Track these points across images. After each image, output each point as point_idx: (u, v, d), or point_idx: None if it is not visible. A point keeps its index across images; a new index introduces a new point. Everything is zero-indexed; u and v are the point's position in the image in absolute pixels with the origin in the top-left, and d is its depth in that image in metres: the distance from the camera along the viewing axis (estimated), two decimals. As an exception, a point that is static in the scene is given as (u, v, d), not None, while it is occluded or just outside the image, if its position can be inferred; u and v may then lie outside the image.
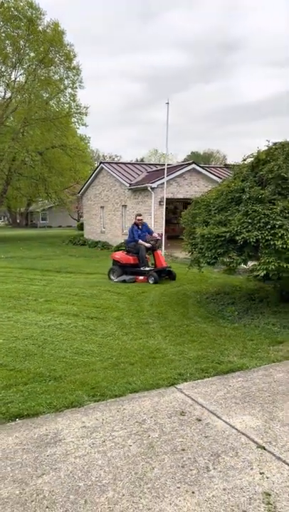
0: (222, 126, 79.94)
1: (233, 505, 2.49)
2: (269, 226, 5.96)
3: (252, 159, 7.53)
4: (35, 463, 2.94)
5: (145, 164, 25.94)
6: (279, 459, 2.95)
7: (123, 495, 2.60)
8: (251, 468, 2.84)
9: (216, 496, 2.57)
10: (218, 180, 19.15)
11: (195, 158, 57.42)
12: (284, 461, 2.92)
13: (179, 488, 2.65)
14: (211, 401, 3.85)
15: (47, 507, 2.50)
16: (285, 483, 2.68)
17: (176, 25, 67.53)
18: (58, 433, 3.32)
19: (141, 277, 10.29)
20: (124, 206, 20.79)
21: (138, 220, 11.29)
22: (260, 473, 2.79)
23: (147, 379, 4.31)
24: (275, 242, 5.83)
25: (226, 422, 3.46)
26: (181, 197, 19.02)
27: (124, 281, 10.12)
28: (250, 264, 7.81)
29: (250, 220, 6.14)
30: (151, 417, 3.56)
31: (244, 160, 7.92)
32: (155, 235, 11.29)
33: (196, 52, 71.69)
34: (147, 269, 10.48)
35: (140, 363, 4.80)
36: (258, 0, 65.26)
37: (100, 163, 23.87)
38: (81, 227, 33.02)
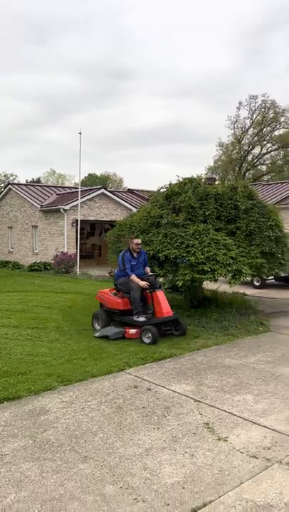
0: (116, 150, 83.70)
1: (186, 431, 3.69)
2: (184, 245, 7.44)
3: (165, 190, 9.11)
4: (35, 425, 3.81)
5: (54, 186, 26.69)
6: (210, 405, 4.24)
7: (110, 435, 3.63)
8: (193, 412, 4.08)
9: (173, 428, 3.75)
10: (124, 203, 20.84)
11: (93, 180, 59.26)
12: (214, 407, 4.21)
13: (147, 427, 3.78)
14: (154, 377, 5.04)
15: (58, 446, 3.43)
16: (216, 417, 3.96)
17: (68, 49, 69.77)
18: (44, 407, 4.21)
19: (132, 331, 6.87)
20: (35, 227, 21.26)
21: (135, 244, 7.32)
22: (200, 414, 4.04)
23: (101, 368, 5.34)
24: (190, 258, 7.32)
25: (169, 389, 4.68)
26: (93, 219, 20.22)
27: (106, 337, 6.78)
28: (161, 279, 9.31)
29: (169, 241, 7.58)
30: (113, 391, 4.62)
31: (158, 190, 9.49)
32: (147, 269, 7.44)
33: (89, 78, 74.61)
34: (141, 319, 6.93)
35: (90, 358, 5.80)
36: (147, 35, 70.62)
37: (8, 184, 24.02)
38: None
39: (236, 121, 44.45)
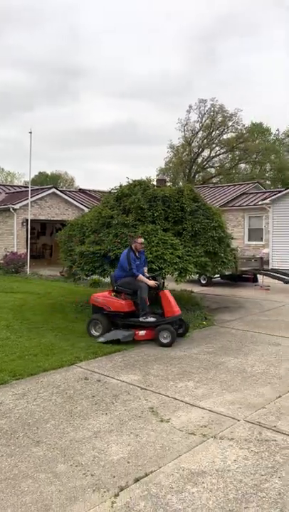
0: (67, 149, 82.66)
1: (132, 415, 4.02)
2: (134, 245, 7.78)
3: (116, 191, 9.42)
4: (-12, 416, 3.99)
5: (3, 185, 26.13)
6: (155, 392, 4.60)
7: (61, 421, 3.89)
8: (140, 399, 4.42)
9: (121, 413, 4.06)
10: (76, 203, 20.90)
11: (43, 178, 58.32)
12: (158, 393, 4.57)
13: (96, 413, 4.07)
14: (104, 370, 5.33)
15: (11, 434, 3.64)
16: (160, 402, 4.32)
17: (17, 45, 68.15)
18: (-3, 400, 4.38)
19: (142, 332, 6.72)
20: (-17, 226, 20.77)
21: (139, 244, 7.15)
22: (146, 400, 4.39)
23: (52, 362, 5.55)
24: (139, 257, 7.66)
25: (117, 379, 4.99)
26: (43, 218, 20.10)
27: (117, 341, 6.52)
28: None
29: (119, 240, 7.89)
30: (64, 383, 4.87)
31: (110, 191, 9.80)
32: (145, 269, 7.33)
33: (40, 75, 73.28)
34: (151, 319, 6.76)
35: (41, 354, 5.98)
36: (96, 32, 70.57)
37: None
38: None
39: (186, 124, 45.59)
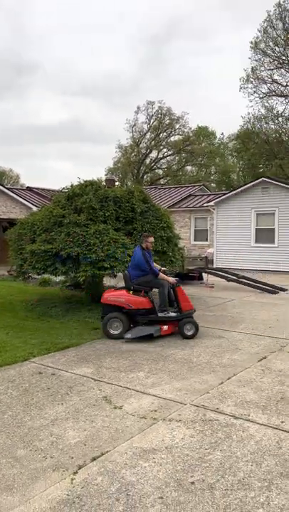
0: (13, 146, 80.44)
1: (86, 404, 4.26)
2: (86, 244, 7.98)
3: (67, 191, 9.55)
4: None
5: None
6: (108, 383, 4.87)
7: (18, 412, 4.05)
8: (93, 389, 4.67)
9: (76, 403, 4.29)
10: (24, 201, 20.59)
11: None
12: (111, 383, 4.84)
13: (52, 403, 4.27)
14: (58, 364, 5.52)
15: None
16: (113, 392, 4.60)
17: None
18: None
19: (165, 327, 6.99)
20: None
21: (150, 243, 7.51)
22: (99, 390, 4.64)
23: (6, 359, 5.65)
24: (91, 255, 7.88)
25: (72, 373, 5.20)
26: (-10, 216, 19.60)
27: (150, 335, 6.78)
28: (61, 277, 9.74)
29: (71, 239, 8.05)
30: (19, 377, 5.00)
31: (61, 190, 9.91)
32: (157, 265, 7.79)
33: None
34: (173, 314, 7.09)
35: (-6, 351, 6.05)
36: (45, 31, 69.44)
37: None
38: None
39: (134, 124, 46.15)
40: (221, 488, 2.89)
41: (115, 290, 7.54)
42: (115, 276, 8.28)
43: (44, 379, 4.96)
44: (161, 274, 7.21)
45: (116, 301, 7.07)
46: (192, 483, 2.94)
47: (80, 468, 3.10)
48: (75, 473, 3.04)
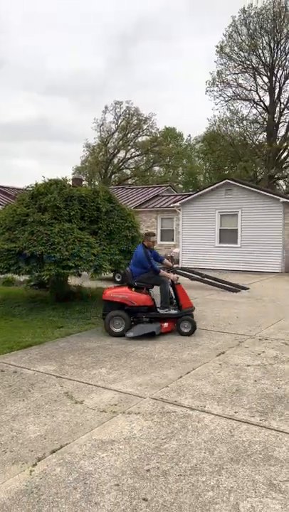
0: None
1: (48, 400, 4.33)
2: (50, 242, 7.99)
3: (31, 189, 9.50)
4: None
5: None
6: (69, 379, 4.95)
7: (-21, 410, 4.07)
8: (55, 386, 4.74)
9: (37, 399, 4.35)
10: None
11: None
12: (73, 380, 4.93)
13: (14, 400, 4.31)
14: (20, 362, 5.54)
15: None
16: (75, 387, 4.68)
17: None
18: None
19: (166, 324, 7.07)
20: None
21: (152, 241, 7.70)
22: (61, 386, 4.72)
23: None
24: (55, 254, 7.90)
25: (34, 370, 5.24)
26: None
27: (152, 333, 6.81)
28: (25, 277, 9.69)
29: (35, 238, 8.04)
30: (-20, 376, 5.00)
31: (25, 189, 9.85)
32: (168, 262, 8.11)
33: None
34: (174, 311, 7.22)
35: None
36: (16, 26, 68.17)
37: None
38: None
39: (102, 124, 46.07)
40: (175, 474, 3.05)
41: (117, 287, 7.67)
42: (80, 275, 8.33)
43: (6, 377, 4.98)
44: (162, 271, 7.33)
45: (118, 297, 7.12)
46: (148, 470, 3.09)
47: (39, 461, 3.18)
48: (34, 465, 3.12)
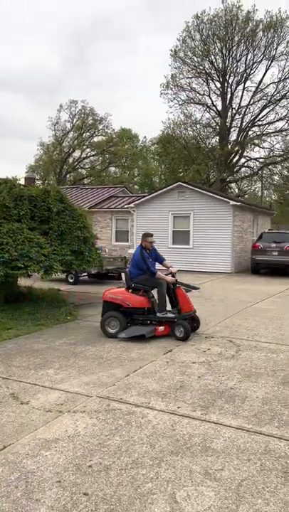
0: None
1: (-7, 402, 4.30)
2: (-2, 243, 7.86)
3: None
4: None
5: None
6: (16, 380, 4.92)
7: None
8: (1, 387, 4.70)
9: (-18, 401, 4.31)
10: None
11: None
12: (20, 381, 4.91)
13: None
14: None
15: None
16: (21, 389, 4.67)
17: None
18: None
19: (161, 328, 6.88)
20: None
21: (148, 242, 7.44)
22: (7, 388, 4.69)
23: None
24: (3, 254, 7.78)
25: (-21, 372, 5.16)
26: None
27: (142, 336, 6.62)
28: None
29: (-17, 238, 7.87)
30: None
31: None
32: (167, 263, 7.72)
33: None
34: (171, 315, 6.96)
35: None
36: None
37: None
38: None
39: (57, 122, 45.50)
40: (116, 468, 3.15)
41: (116, 288, 7.59)
42: (30, 276, 8.24)
43: None
44: (159, 274, 7.13)
45: (114, 298, 7.11)
46: (90, 466, 3.17)
47: (-20, 462, 3.17)
48: (-24, 466, 3.11)
